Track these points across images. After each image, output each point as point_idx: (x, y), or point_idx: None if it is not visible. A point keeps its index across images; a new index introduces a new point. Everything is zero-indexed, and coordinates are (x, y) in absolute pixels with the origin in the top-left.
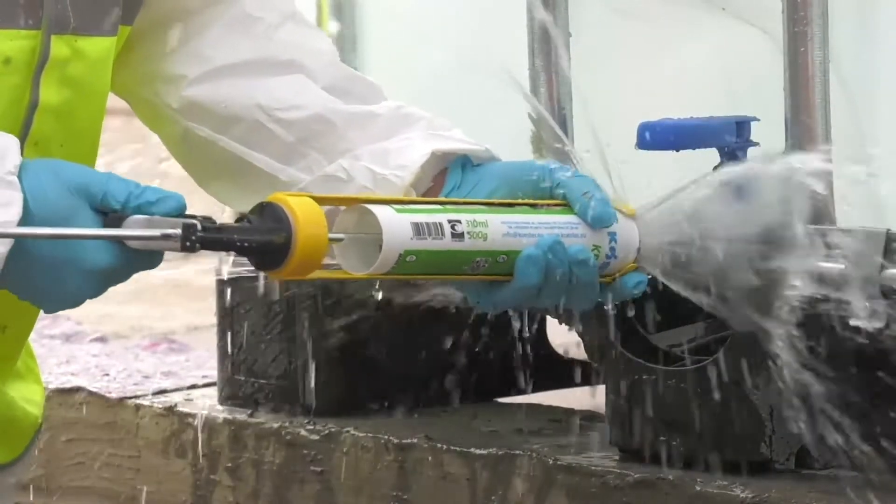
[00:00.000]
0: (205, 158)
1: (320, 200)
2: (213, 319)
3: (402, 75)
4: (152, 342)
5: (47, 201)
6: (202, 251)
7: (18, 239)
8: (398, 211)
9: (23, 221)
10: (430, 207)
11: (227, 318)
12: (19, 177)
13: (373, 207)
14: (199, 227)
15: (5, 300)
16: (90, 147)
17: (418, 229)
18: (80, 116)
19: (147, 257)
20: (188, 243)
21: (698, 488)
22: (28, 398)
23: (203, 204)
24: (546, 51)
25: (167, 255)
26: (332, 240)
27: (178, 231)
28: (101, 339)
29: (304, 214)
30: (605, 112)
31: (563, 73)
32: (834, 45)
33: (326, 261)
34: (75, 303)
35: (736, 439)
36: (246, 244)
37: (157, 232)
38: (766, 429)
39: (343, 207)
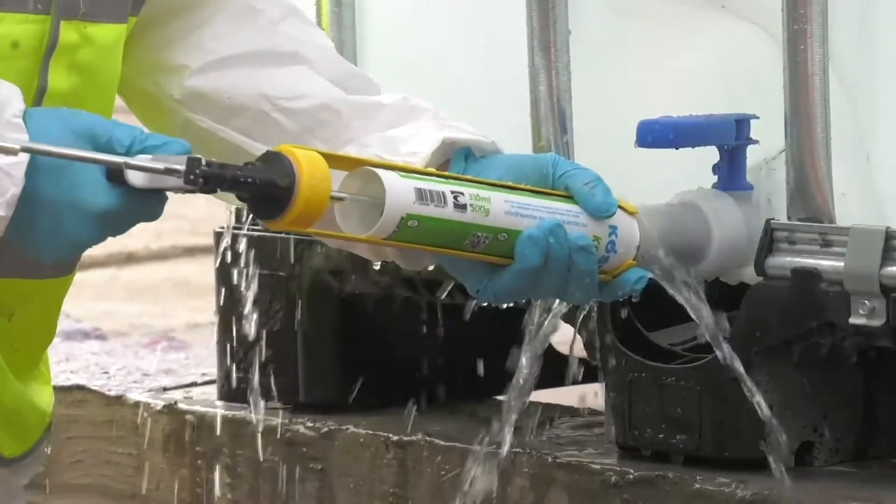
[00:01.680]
0: (203, 151)
1: (326, 157)
2: (213, 317)
3: (400, 73)
4: (152, 340)
5: (52, 143)
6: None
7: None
8: (402, 176)
9: (28, 165)
10: (434, 178)
11: (227, 315)
12: (24, 122)
13: (378, 170)
14: (203, 161)
15: (11, 286)
16: None
17: (421, 195)
18: (90, 104)
19: (149, 203)
20: (192, 177)
21: (698, 486)
22: (38, 395)
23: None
24: (546, 49)
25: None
26: (334, 198)
27: (182, 166)
28: (101, 337)
29: (310, 165)
30: (605, 110)
31: (562, 71)
32: (833, 44)
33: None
34: (75, 248)
35: (736, 437)
36: (249, 180)
37: (160, 165)
38: (765, 426)
39: (346, 173)
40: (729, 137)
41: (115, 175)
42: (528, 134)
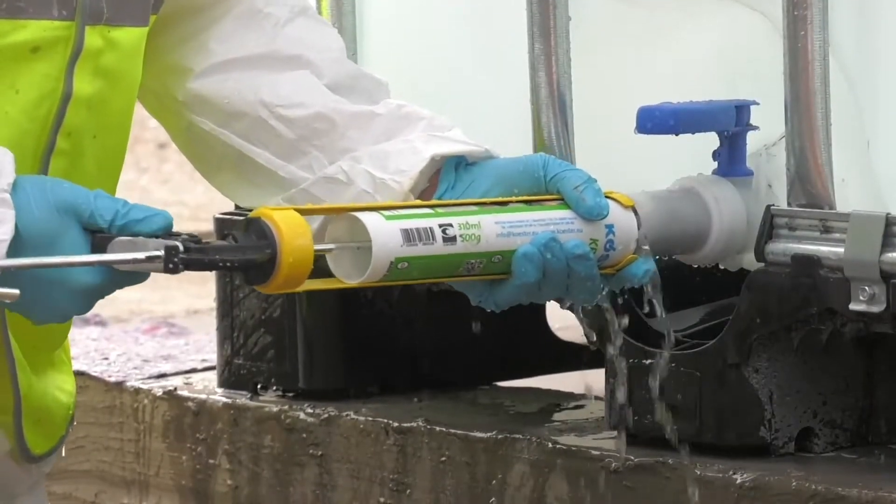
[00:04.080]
0: (208, 151)
1: (306, 212)
2: (213, 303)
3: (400, 60)
4: (152, 326)
5: (35, 220)
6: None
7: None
8: (388, 218)
9: (19, 242)
10: (421, 212)
11: (227, 301)
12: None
13: (361, 216)
14: (181, 248)
15: None
16: (121, 138)
17: (408, 236)
18: (113, 107)
19: (134, 274)
20: (171, 265)
21: (698, 472)
22: (60, 387)
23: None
24: (546, 36)
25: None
26: (319, 251)
27: (161, 253)
28: (101, 323)
29: (289, 229)
30: (605, 96)
31: (562, 58)
32: (834, 29)
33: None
34: (63, 318)
35: (735, 423)
36: (229, 264)
37: (140, 255)
38: (765, 412)
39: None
40: (729, 123)
41: (97, 249)
42: (527, 120)
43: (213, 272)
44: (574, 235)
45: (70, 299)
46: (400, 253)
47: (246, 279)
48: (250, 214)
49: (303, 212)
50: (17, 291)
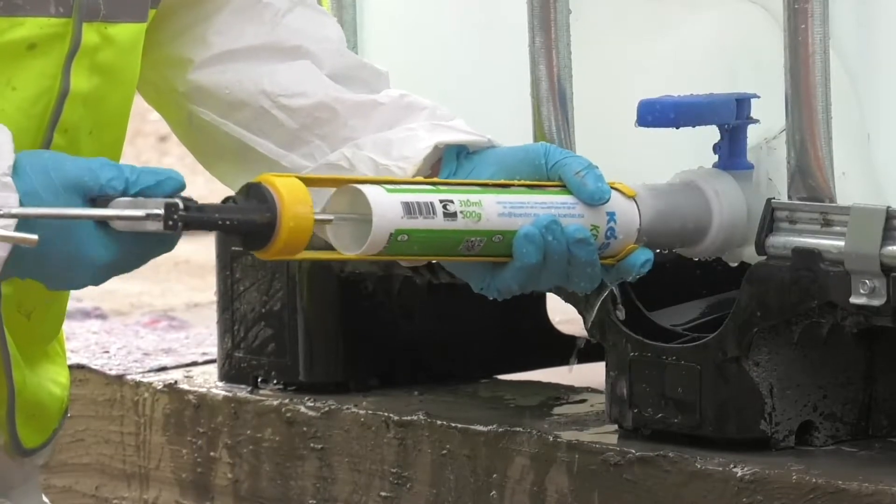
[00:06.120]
0: (209, 142)
1: (308, 181)
2: (213, 296)
3: (401, 55)
4: (152, 319)
5: (40, 202)
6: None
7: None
8: (389, 191)
9: (18, 223)
10: (423, 188)
11: (227, 294)
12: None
13: (363, 187)
14: (181, 205)
15: (29, 287)
16: (118, 134)
17: (409, 208)
18: (109, 104)
19: (150, 246)
20: (170, 222)
21: (698, 466)
22: (54, 379)
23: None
24: (546, 29)
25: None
26: (319, 220)
27: (161, 210)
28: (101, 316)
29: (290, 194)
30: (606, 90)
31: (563, 51)
32: (834, 23)
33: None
34: (83, 287)
35: (736, 417)
36: (228, 222)
37: (140, 212)
38: (765, 406)
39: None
40: (729, 117)
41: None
42: (528, 114)
43: (216, 261)
44: (575, 220)
45: (89, 274)
46: (400, 225)
47: (244, 243)
48: (252, 181)
49: (305, 180)
50: (35, 237)
